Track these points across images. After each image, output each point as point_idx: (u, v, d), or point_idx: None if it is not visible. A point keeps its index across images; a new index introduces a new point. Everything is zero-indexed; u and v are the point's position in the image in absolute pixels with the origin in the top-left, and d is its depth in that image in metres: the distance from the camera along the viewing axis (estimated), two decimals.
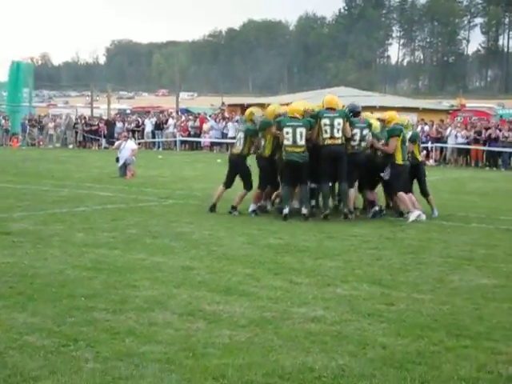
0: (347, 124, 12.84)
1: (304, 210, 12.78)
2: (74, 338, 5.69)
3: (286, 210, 12.72)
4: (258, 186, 13.46)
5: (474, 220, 13.12)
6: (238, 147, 13.43)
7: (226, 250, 9.71)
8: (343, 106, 13.46)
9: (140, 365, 5.15)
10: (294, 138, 12.64)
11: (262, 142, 13.35)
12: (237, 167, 13.49)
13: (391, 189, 13.26)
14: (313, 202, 13.57)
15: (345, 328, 6.14)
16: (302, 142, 12.67)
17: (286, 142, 12.71)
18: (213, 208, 13.49)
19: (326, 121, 12.79)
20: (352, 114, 13.17)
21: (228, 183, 13.63)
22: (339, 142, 12.76)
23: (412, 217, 12.68)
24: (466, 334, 6.04)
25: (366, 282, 7.93)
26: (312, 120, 12.87)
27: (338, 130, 12.72)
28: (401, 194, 12.81)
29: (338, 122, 12.74)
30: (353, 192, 13.15)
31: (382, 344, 5.72)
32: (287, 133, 12.66)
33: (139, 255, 9.22)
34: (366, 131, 13.10)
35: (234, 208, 13.32)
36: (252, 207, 13.35)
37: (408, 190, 13.14)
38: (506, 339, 5.91)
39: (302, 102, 14.43)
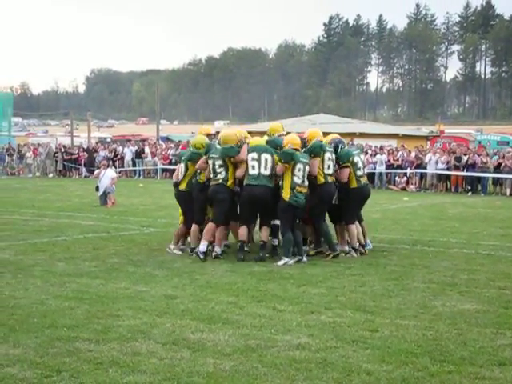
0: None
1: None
2: (56, 369, 5.65)
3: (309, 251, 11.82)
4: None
5: (455, 245, 13.17)
6: (219, 177, 11.42)
7: (208, 278, 9.68)
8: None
9: None
10: (304, 176, 11.22)
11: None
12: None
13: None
14: (275, 242, 11.97)
15: (329, 355, 6.13)
16: (306, 181, 11.32)
17: (296, 181, 11.12)
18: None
19: (328, 155, 11.70)
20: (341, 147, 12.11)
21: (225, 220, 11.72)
22: (334, 179, 11.88)
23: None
24: (449, 359, 6.05)
25: (350, 308, 7.93)
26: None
27: (334, 167, 11.82)
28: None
29: (334, 157, 11.85)
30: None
31: (367, 370, 5.71)
32: (299, 170, 11.15)
33: (121, 284, 9.17)
34: (362, 156, 12.65)
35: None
36: (203, 246, 11.36)
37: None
38: (489, 364, 5.93)
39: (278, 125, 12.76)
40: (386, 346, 6.44)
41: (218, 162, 11.38)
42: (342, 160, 11.97)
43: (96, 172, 23.56)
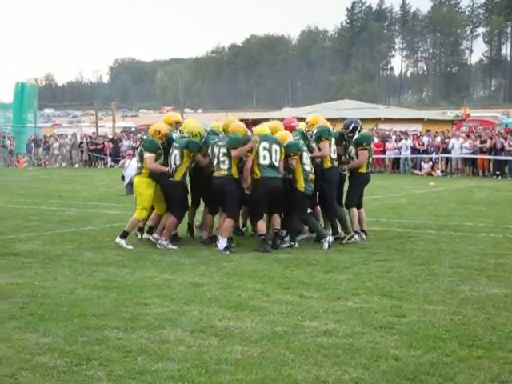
0: None
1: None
2: (86, 357, 5.70)
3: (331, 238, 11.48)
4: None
5: (482, 229, 13.09)
6: (223, 167, 11.11)
7: (235, 266, 9.71)
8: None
9: (153, 383, 5.16)
10: (310, 163, 11.39)
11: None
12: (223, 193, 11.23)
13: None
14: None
15: (357, 341, 6.13)
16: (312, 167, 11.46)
17: (307, 169, 11.27)
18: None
19: (333, 140, 11.77)
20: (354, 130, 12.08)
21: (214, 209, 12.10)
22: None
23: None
24: (478, 344, 6.02)
25: (377, 294, 7.92)
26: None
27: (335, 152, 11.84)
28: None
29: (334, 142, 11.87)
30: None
31: (395, 356, 5.70)
32: (306, 158, 11.28)
33: (149, 273, 9.23)
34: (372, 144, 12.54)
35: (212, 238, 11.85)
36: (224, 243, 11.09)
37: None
38: None
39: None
40: (413, 331, 6.42)
41: (223, 151, 11.13)
42: (364, 142, 11.92)
43: (121, 162, 23.65)
